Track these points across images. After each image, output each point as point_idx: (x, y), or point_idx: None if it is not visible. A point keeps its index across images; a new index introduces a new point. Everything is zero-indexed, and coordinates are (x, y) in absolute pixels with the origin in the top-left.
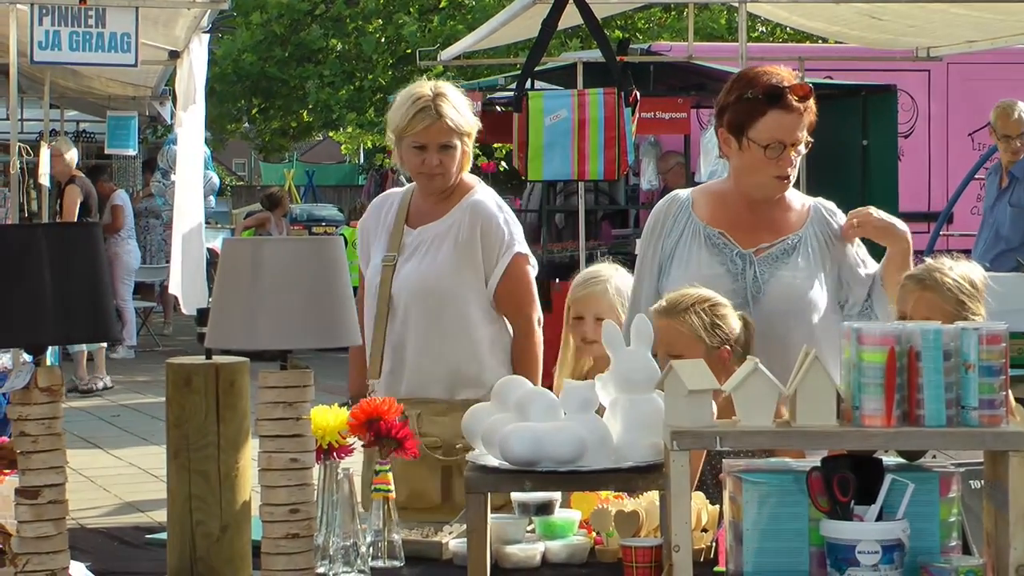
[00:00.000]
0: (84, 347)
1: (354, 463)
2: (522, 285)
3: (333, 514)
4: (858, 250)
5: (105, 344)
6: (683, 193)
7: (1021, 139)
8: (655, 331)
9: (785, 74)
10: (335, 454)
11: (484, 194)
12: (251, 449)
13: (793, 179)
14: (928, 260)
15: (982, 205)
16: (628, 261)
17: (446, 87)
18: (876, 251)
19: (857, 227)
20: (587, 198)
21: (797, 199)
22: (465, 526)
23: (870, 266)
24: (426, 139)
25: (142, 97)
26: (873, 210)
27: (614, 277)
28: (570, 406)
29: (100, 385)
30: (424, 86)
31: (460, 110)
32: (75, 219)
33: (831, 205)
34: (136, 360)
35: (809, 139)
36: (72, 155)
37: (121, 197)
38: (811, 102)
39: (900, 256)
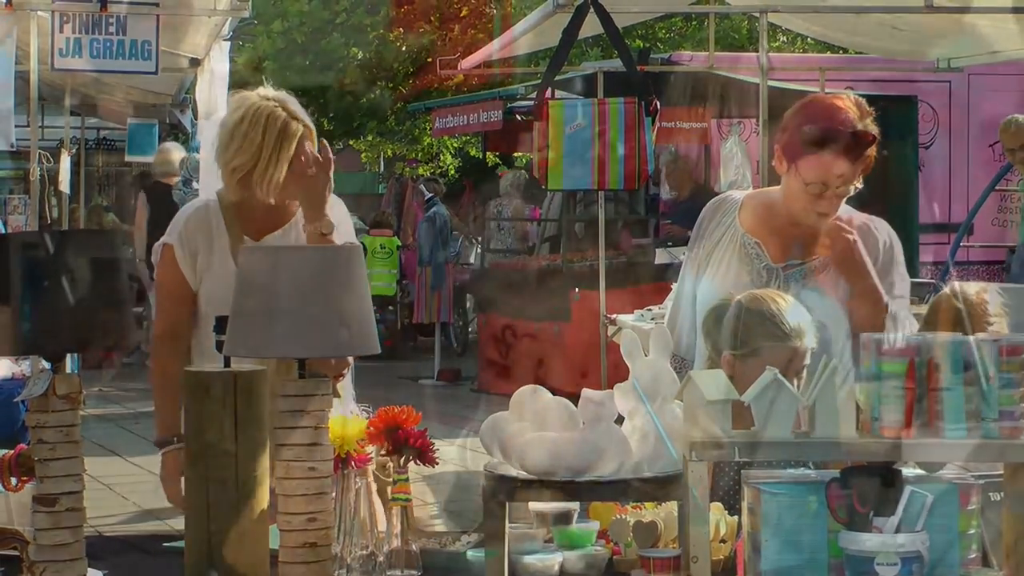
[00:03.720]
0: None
1: None
2: None
3: (351, 523)
4: (888, 283)
5: None
6: (736, 195)
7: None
8: None
9: (852, 113)
10: (353, 463)
11: None
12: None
13: (835, 212)
14: (956, 300)
15: (1005, 217)
16: (649, 270)
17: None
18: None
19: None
20: (607, 207)
21: (846, 217)
22: (483, 535)
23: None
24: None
25: (162, 105)
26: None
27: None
28: (588, 416)
29: None
30: (255, 98)
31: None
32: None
33: (880, 224)
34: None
35: (859, 184)
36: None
37: None
38: (871, 150)
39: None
